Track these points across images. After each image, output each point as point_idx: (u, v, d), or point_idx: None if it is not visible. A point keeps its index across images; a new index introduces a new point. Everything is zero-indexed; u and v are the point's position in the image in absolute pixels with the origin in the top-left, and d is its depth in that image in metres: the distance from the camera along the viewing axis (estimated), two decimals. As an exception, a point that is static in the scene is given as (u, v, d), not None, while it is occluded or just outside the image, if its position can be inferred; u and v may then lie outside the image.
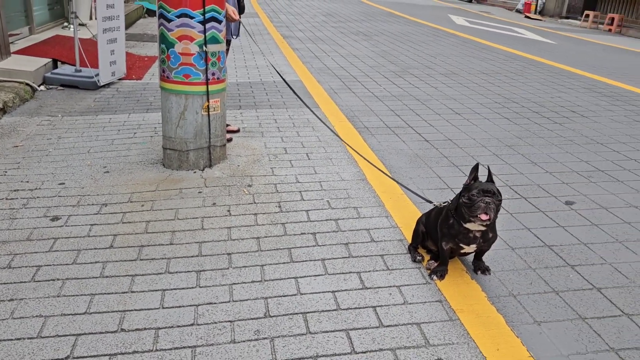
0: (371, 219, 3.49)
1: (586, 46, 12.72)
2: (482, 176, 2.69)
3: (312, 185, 4.00)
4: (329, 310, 2.57)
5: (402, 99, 6.63)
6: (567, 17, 19.97)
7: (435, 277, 2.85)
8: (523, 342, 2.39)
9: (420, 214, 3.23)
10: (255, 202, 3.70)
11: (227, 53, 4.85)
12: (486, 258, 3.02)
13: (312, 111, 4.57)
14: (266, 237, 3.25)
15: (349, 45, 10.76)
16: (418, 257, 3.00)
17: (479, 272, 2.91)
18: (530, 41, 12.88)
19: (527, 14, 20.32)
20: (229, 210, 3.57)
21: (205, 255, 3.03)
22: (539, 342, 2.40)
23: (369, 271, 2.91)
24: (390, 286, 2.78)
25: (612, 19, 17.22)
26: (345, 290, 2.74)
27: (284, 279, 2.84)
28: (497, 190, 2.58)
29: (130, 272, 2.82)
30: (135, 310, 2.53)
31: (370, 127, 5.44)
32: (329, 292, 2.72)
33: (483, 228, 2.65)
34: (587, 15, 18.19)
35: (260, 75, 7.78)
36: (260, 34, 11.83)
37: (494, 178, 2.81)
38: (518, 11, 21.60)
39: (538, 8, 20.61)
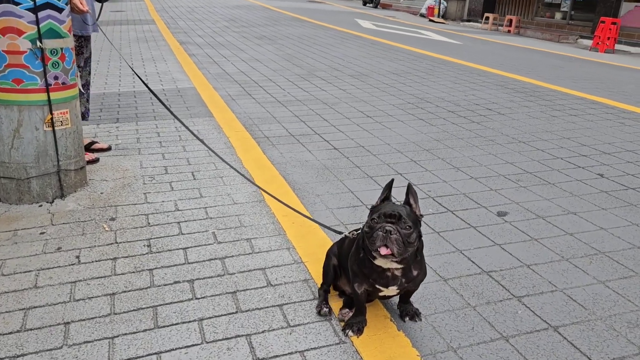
0: (268, 254, 2.73)
1: (490, 46, 12.80)
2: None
3: (196, 213, 3.17)
4: (201, 406, 1.77)
5: (307, 103, 5.95)
6: (468, 20, 20.44)
7: (350, 333, 2.13)
8: None
9: (332, 243, 2.51)
10: (116, 242, 2.81)
11: (85, 53, 3.91)
12: (415, 297, 2.35)
13: (182, 123, 3.74)
14: (125, 292, 2.39)
15: (251, 49, 9.98)
16: (324, 309, 2.26)
17: (407, 319, 2.23)
18: (436, 42, 12.76)
19: (431, 18, 20.59)
20: (77, 257, 2.66)
21: (30, 330, 2.12)
22: (494, 422, 1.74)
23: (263, 332, 2.14)
24: (291, 353, 2.03)
25: (511, 21, 17.73)
26: (228, 366, 1.96)
27: (143, 357, 2.00)
28: (408, 212, 1.93)
29: None
30: None
31: (272, 137, 4.69)
32: (204, 373, 1.92)
33: (399, 266, 1.98)
34: (487, 18, 18.65)
35: (148, 83, 6.80)
36: (154, 41, 10.76)
37: (419, 197, 2.20)
38: (422, 15, 21.88)
39: (441, 12, 20.95)
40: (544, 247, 2.86)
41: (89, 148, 4.09)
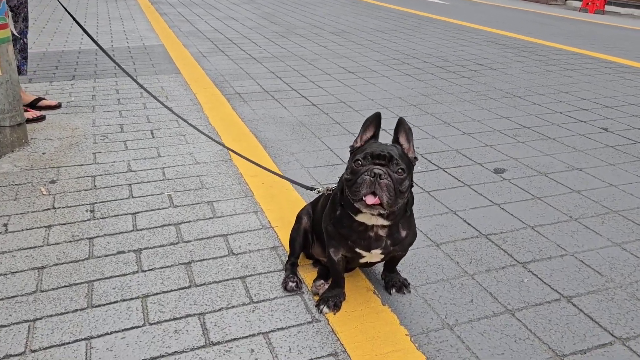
0: (232, 219, 2.34)
1: (478, 6, 12.29)
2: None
3: (151, 174, 2.76)
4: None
5: (285, 60, 5.49)
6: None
7: (325, 310, 1.76)
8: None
9: (306, 204, 2.12)
10: (54, 208, 2.40)
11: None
12: (403, 265, 1.99)
13: (123, 70, 3.32)
14: (56, 265, 1.99)
15: (226, 8, 9.40)
16: (291, 284, 1.87)
17: (393, 291, 1.87)
18: (421, 2, 12.23)
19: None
20: (5, 225, 2.25)
21: None
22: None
23: (220, 310, 1.76)
24: (252, 335, 1.66)
25: (498, -18, 17.14)
26: (174, 354, 1.58)
27: (69, 343, 1.62)
28: (400, 153, 1.54)
29: None
30: None
31: (244, 93, 4.25)
32: (142, 363, 1.54)
33: (386, 222, 1.59)
34: (474, -21, 18.04)
35: (112, 41, 6.27)
36: (123, 0, 10.11)
37: (414, 137, 1.84)
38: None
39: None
40: (549, 206, 2.50)
41: (34, 105, 3.63)
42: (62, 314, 1.74)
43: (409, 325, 1.71)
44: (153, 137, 3.26)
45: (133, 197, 2.52)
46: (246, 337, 1.65)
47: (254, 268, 1.99)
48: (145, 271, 1.96)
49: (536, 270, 2.00)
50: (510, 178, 2.80)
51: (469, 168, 2.91)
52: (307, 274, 1.95)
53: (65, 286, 1.88)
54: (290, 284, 1.86)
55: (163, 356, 1.57)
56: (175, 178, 2.72)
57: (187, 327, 1.68)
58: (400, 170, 1.48)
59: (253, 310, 1.76)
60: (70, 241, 2.15)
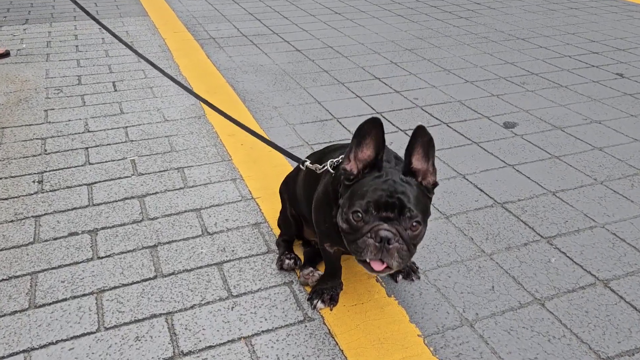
0: (206, 189, 2.00)
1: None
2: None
3: (112, 135, 2.38)
4: None
5: (265, 0, 4.99)
6: None
7: (320, 305, 1.46)
8: None
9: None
10: (-5, 178, 2.03)
11: None
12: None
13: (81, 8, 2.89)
14: (-7, 252, 1.65)
15: (200, -57, 8.65)
16: (288, 261, 1.57)
17: (400, 277, 1.57)
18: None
19: None
20: None
21: None
22: None
23: (192, 307, 1.45)
24: (232, 341, 1.35)
25: None
26: (134, 370, 1.28)
27: (2, 359, 1.30)
28: (416, 194, 1.16)
29: None
30: None
31: (219, 38, 3.81)
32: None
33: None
34: None
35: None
36: None
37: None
38: None
39: None
40: (569, 166, 2.20)
41: (-23, 54, 3.17)
42: (-4, 317, 1.42)
43: (421, 322, 1.42)
44: (115, 91, 2.85)
45: (90, 163, 2.15)
46: (224, 343, 1.34)
47: (233, 251, 1.67)
48: (102, 258, 1.63)
49: (564, 247, 1.72)
50: (522, 133, 2.48)
51: (475, 122, 2.58)
52: (300, 253, 1.64)
53: (3, 280, 1.54)
54: (287, 261, 1.56)
55: (120, 373, 1.26)
56: (140, 139, 2.35)
57: (152, 332, 1.38)
58: (414, 225, 1.13)
59: (232, 307, 1.45)
60: (12, 221, 1.80)
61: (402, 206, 1.12)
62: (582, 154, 2.30)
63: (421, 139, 1.16)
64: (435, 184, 1.22)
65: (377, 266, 1.14)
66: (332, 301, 1.46)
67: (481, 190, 2.02)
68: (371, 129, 1.16)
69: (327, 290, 1.47)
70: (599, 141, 2.41)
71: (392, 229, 1.11)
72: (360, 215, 1.13)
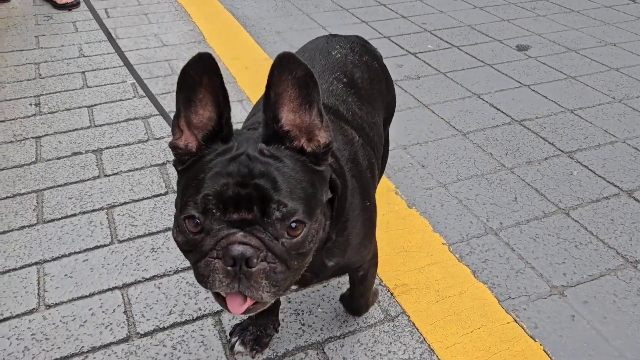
0: (212, 109, 1.91)
1: None
2: None
3: (108, 60, 2.27)
4: None
5: None
6: None
7: (237, 347, 1.07)
8: None
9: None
10: (-11, 102, 1.93)
11: None
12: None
13: None
14: (-5, 171, 1.58)
15: None
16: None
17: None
18: None
19: None
20: None
21: None
22: None
23: (208, 221, 1.40)
24: (252, 251, 1.31)
25: None
26: (153, 278, 1.23)
27: (15, 270, 1.25)
28: (290, 172, 0.70)
29: None
30: None
31: (214, -34, 3.61)
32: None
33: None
34: None
35: None
36: None
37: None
38: None
39: None
40: (586, 86, 2.13)
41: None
42: (4, 232, 1.36)
43: (444, 231, 1.38)
44: (108, 17, 2.71)
45: (88, 86, 2.05)
46: (244, 253, 1.30)
47: (246, 168, 1.61)
48: (109, 176, 1.57)
49: (585, 161, 1.67)
50: (536, 56, 2.39)
51: (487, 45, 2.49)
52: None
53: (8, 197, 1.48)
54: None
55: (139, 282, 1.22)
56: (140, 63, 2.24)
57: (167, 244, 1.33)
58: (294, 226, 0.69)
59: (249, 220, 1.40)
60: (11, 141, 1.72)
61: (264, 198, 0.67)
62: (598, 74, 2.23)
63: (290, 75, 0.68)
64: (328, 145, 0.73)
65: (235, 305, 0.71)
66: (257, 345, 1.07)
67: (497, 109, 1.96)
68: (201, 75, 0.69)
69: (251, 330, 1.08)
70: (615, 62, 2.34)
71: (250, 240, 0.67)
72: (197, 221, 0.68)
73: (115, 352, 1.06)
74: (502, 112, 1.93)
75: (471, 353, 1.07)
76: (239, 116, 1.86)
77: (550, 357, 1.06)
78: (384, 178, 1.57)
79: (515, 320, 1.14)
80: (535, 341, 1.09)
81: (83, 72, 2.16)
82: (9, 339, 1.09)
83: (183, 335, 1.10)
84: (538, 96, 2.05)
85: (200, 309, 1.16)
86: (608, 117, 1.91)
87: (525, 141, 1.76)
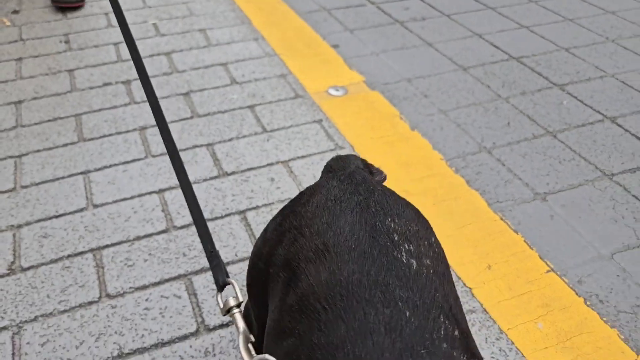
0: (230, 47, 2.05)
1: None
2: None
3: (128, 2, 2.39)
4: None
5: None
6: None
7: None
8: (527, 242, 1.27)
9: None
10: (22, 40, 2.08)
11: None
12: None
13: None
14: (35, 99, 1.74)
15: None
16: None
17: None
18: None
19: None
20: (-33, 58, 1.95)
21: None
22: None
23: (230, 139, 1.56)
24: (270, 164, 1.48)
25: None
26: (185, 185, 1.41)
27: (63, 178, 1.43)
28: None
29: None
30: None
31: None
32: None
33: None
34: None
35: None
36: None
37: None
38: None
39: None
40: (582, 27, 2.25)
41: None
42: (50, 148, 1.53)
43: (443, 149, 1.54)
44: (126, -37, 2.81)
45: (111, 26, 2.19)
46: (264, 166, 1.47)
47: (263, 97, 1.76)
48: (139, 103, 1.73)
49: (575, 92, 1.81)
50: (537, 0, 2.50)
51: (490, -10, 2.59)
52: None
53: (49, 120, 1.64)
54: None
55: (172, 188, 1.40)
56: (158, 5, 2.36)
57: (196, 158, 1.50)
58: None
59: (268, 140, 1.57)
60: (47, 74, 1.87)
61: None
62: (594, 17, 2.34)
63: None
64: None
65: None
66: None
67: (497, 47, 2.09)
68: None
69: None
70: (612, 6, 2.44)
71: None
72: None
73: (157, 240, 1.25)
74: (501, 50, 2.06)
75: (461, 243, 1.24)
76: (255, 52, 2.00)
77: (530, 247, 1.24)
78: (389, 105, 1.72)
79: (502, 219, 1.31)
80: (517, 234, 1.27)
81: (106, 14, 2.29)
82: (65, 229, 1.27)
83: (214, 228, 1.28)
84: (536, 36, 2.17)
85: (227, 209, 1.33)
86: (600, 55, 2.04)
87: (521, 75, 1.90)
